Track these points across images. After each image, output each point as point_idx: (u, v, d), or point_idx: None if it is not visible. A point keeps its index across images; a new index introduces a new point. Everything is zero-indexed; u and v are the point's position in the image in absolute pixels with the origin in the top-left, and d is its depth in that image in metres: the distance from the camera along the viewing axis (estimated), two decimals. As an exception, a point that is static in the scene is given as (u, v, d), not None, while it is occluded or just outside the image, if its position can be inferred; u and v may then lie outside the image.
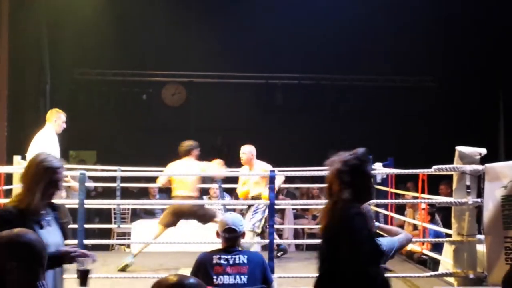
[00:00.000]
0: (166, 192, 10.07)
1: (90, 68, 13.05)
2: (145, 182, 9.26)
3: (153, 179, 9.24)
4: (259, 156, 7.67)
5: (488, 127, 12.18)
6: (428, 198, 6.29)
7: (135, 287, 5.63)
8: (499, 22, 11.10)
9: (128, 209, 9.84)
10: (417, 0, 11.64)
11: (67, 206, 6.50)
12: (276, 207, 6.41)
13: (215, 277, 3.65)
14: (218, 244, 3.95)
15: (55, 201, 3.26)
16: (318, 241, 9.00)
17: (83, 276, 3.03)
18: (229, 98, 13.23)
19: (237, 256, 3.73)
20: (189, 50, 12.43)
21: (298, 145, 12.67)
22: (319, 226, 10.04)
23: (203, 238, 6.34)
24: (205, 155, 7.25)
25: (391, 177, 7.25)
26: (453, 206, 5.42)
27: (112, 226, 9.01)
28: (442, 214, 7.49)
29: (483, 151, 5.38)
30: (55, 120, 6.93)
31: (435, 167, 5.49)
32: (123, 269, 6.42)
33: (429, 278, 5.68)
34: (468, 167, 5.27)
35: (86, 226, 6.09)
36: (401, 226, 7.78)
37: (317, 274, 2.96)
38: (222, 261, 3.71)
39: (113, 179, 8.20)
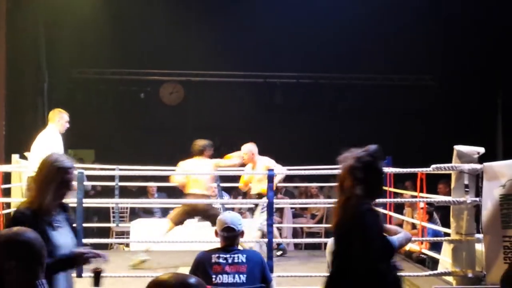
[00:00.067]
0: (165, 191, 10.08)
1: (88, 67, 13.04)
2: (143, 181, 9.27)
3: (151, 178, 9.26)
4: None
5: (487, 126, 12.19)
6: (426, 197, 6.30)
7: (133, 286, 5.63)
8: (498, 22, 11.11)
9: (126, 208, 9.84)
10: (415, 0, 11.65)
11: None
12: (275, 206, 6.41)
13: (214, 276, 3.65)
14: (217, 243, 3.95)
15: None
16: (317, 240, 9.04)
17: (97, 276, 3.02)
18: (227, 97, 13.23)
19: (236, 255, 3.73)
20: (187, 49, 12.42)
21: (297, 144, 12.67)
22: (318, 225, 10.13)
23: (202, 237, 6.34)
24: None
25: (389, 176, 7.24)
26: (452, 205, 5.42)
27: (111, 225, 9.01)
28: (441, 213, 7.50)
29: (482, 150, 5.39)
30: (58, 120, 6.97)
31: (433, 166, 5.49)
32: (136, 265, 6.51)
33: (428, 277, 5.68)
34: (467, 166, 5.28)
35: (84, 225, 6.09)
36: (400, 225, 7.78)
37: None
38: (221, 260, 3.70)
39: (111, 178, 8.20)
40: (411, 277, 5.80)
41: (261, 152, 7.62)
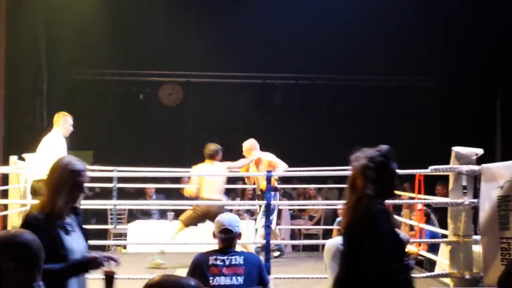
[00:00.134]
0: (163, 192, 10.08)
1: (88, 68, 13.03)
2: (142, 183, 9.26)
3: (149, 180, 9.26)
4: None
5: (485, 128, 12.19)
6: (424, 199, 6.30)
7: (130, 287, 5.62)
8: (498, 22, 11.12)
9: (124, 209, 9.83)
10: (415, 0, 11.66)
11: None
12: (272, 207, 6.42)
13: (211, 278, 3.65)
14: (214, 245, 3.95)
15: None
16: (314, 241, 9.01)
17: (109, 279, 2.98)
18: (226, 98, 13.23)
19: (233, 257, 3.73)
20: (186, 50, 12.43)
21: (295, 145, 12.68)
22: (315, 226, 10.11)
23: (199, 239, 6.34)
24: (202, 155, 7.26)
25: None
26: (450, 206, 5.43)
27: (109, 226, 9.00)
28: (438, 214, 7.50)
29: (480, 151, 5.40)
30: (62, 124, 7.02)
31: (431, 167, 5.50)
32: (154, 267, 6.60)
33: (425, 278, 5.69)
34: (465, 168, 5.29)
35: (83, 226, 6.08)
36: (398, 227, 7.78)
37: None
38: (218, 262, 3.71)
39: (109, 179, 8.19)
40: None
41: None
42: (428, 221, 7.54)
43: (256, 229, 7.27)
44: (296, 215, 10.51)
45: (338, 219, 7.60)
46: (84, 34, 11.73)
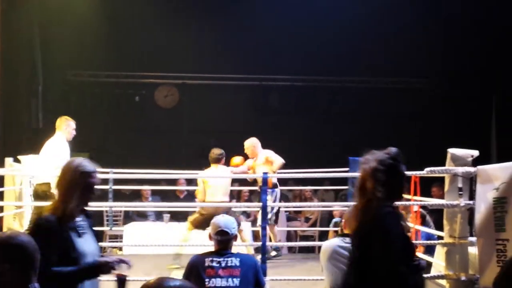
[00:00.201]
0: (158, 194, 10.07)
1: (83, 69, 13.00)
2: (137, 184, 9.25)
3: (145, 181, 9.24)
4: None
5: (481, 129, 12.22)
6: (420, 200, 6.31)
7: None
8: (497, 23, 11.14)
9: (120, 211, 9.81)
10: (409, 3, 11.67)
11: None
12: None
13: (207, 279, 3.65)
14: (210, 246, 3.95)
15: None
16: (310, 243, 9.02)
17: (121, 282, 2.97)
18: (221, 100, 13.22)
19: (229, 259, 3.73)
20: (182, 52, 12.41)
21: (291, 147, 12.65)
22: (312, 228, 10.10)
23: (195, 241, 6.33)
24: (197, 157, 7.29)
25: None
26: (445, 208, 5.44)
27: (105, 228, 8.98)
28: (434, 216, 7.51)
29: (475, 153, 5.40)
30: (65, 128, 7.05)
31: (427, 169, 5.51)
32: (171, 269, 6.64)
33: (421, 280, 5.68)
34: (460, 169, 5.29)
35: (93, 228, 6.06)
36: (407, 231, 7.78)
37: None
38: (214, 264, 3.70)
39: (105, 181, 8.17)
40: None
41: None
42: (424, 223, 7.54)
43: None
44: (292, 216, 10.51)
45: (334, 220, 7.60)
46: (79, 35, 11.70)
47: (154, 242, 7.12)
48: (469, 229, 5.40)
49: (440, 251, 5.85)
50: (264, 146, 7.90)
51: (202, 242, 5.29)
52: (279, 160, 7.50)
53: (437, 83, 12.89)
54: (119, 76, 13.20)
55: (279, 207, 7.70)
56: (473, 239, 5.22)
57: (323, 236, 9.05)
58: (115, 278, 2.97)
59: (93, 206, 8.32)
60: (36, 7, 11.13)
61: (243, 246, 6.93)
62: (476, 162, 5.39)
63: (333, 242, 4.21)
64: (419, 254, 6.66)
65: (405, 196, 7.20)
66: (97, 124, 12.79)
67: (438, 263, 5.80)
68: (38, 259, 2.27)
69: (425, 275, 5.69)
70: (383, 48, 12.11)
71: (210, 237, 3.88)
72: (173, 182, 9.56)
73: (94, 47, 11.87)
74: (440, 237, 5.81)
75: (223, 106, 13.18)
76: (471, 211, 5.33)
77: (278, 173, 7.59)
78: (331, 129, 12.76)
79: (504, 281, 2.40)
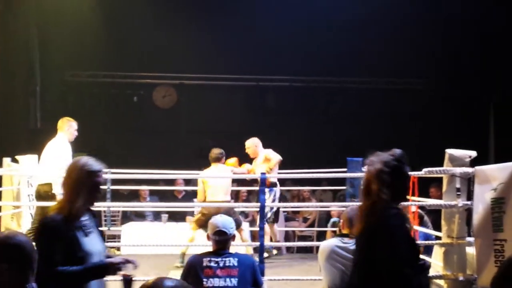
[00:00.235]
0: (156, 194, 10.06)
1: (81, 70, 12.98)
2: (135, 185, 9.24)
3: (143, 181, 9.24)
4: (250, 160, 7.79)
5: (479, 130, 12.23)
6: (418, 201, 6.31)
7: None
8: (496, 23, 11.14)
9: (118, 211, 9.81)
10: (409, 4, 11.68)
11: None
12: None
13: (205, 279, 3.64)
14: (208, 246, 3.95)
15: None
16: (308, 243, 9.02)
17: (127, 282, 2.97)
18: (220, 100, 13.22)
19: (227, 259, 3.73)
20: (180, 52, 12.39)
21: (290, 147, 12.65)
22: (310, 228, 10.10)
23: (200, 241, 6.33)
24: (196, 157, 7.29)
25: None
26: (443, 208, 5.44)
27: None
28: (432, 216, 7.52)
29: (473, 153, 5.41)
30: (67, 129, 7.07)
31: (425, 169, 5.51)
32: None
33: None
34: (458, 170, 5.30)
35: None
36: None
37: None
38: (212, 264, 3.70)
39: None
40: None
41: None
42: (422, 223, 7.55)
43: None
44: (290, 217, 10.51)
45: (332, 220, 7.59)
46: (77, 35, 11.68)
47: (152, 242, 7.13)
48: (467, 229, 5.40)
49: (438, 252, 5.85)
50: (264, 146, 7.95)
51: (206, 242, 5.29)
52: (276, 157, 7.60)
53: (437, 83, 12.89)
54: (117, 76, 13.18)
55: (277, 209, 7.71)
56: (471, 239, 5.23)
57: (321, 236, 9.05)
58: (121, 278, 2.97)
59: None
60: (33, 8, 11.12)
61: (241, 246, 6.93)
62: (474, 162, 5.39)
63: (331, 242, 4.21)
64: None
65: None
66: (95, 124, 12.76)
67: (436, 263, 5.80)
68: (36, 259, 2.27)
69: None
70: (383, 49, 12.10)
71: (208, 237, 3.88)
72: (171, 182, 9.56)
73: (92, 47, 11.86)
74: (438, 238, 5.81)
75: (221, 106, 13.18)
76: (469, 211, 5.33)
77: (278, 173, 7.61)
78: (331, 129, 12.76)
79: (501, 281, 2.40)
